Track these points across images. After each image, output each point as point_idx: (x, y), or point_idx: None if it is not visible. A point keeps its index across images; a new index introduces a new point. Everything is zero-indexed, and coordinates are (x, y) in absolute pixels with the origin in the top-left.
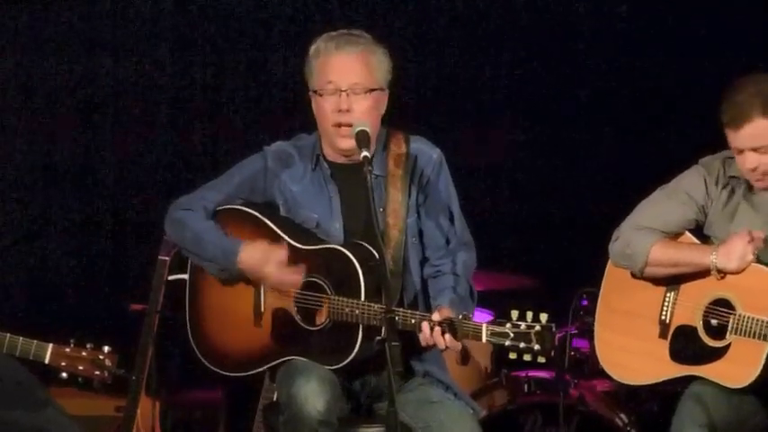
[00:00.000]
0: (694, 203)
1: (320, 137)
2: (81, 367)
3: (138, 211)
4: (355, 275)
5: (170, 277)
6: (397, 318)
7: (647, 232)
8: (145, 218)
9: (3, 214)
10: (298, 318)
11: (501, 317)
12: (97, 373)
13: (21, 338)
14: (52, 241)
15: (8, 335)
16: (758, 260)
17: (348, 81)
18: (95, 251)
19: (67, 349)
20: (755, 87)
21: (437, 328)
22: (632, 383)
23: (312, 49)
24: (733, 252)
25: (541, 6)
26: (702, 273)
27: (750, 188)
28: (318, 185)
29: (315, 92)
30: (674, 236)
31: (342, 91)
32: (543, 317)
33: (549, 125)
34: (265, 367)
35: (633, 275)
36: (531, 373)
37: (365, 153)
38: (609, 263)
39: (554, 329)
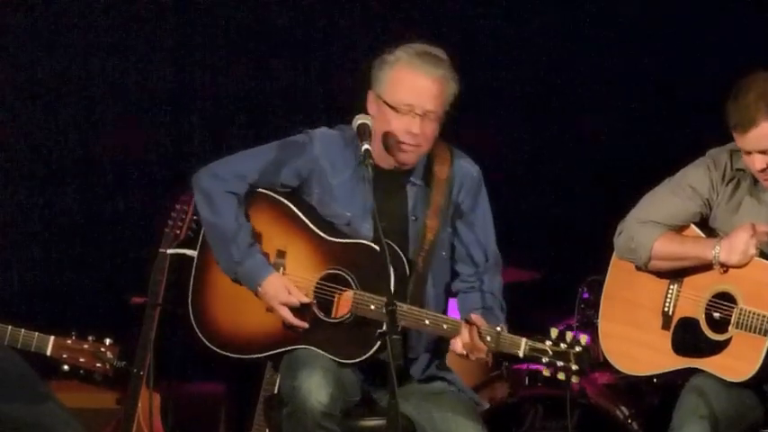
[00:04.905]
0: (699, 197)
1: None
2: (82, 359)
3: (138, 203)
4: (385, 274)
5: (169, 250)
6: (427, 321)
7: (652, 226)
8: (146, 211)
9: (4, 208)
10: (316, 308)
11: (538, 333)
12: (99, 365)
13: (22, 331)
14: (53, 234)
15: (10, 327)
16: (761, 254)
17: (424, 107)
18: (96, 243)
19: (69, 341)
20: (761, 88)
21: (476, 333)
22: (634, 374)
23: (392, 56)
24: (735, 246)
25: (544, 2)
26: (706, 266)
27: (756, 182)
28: (358, 183)
29: (388, 105)
30: (679, 229)
31: (417, 115)
32: (583, 338)
33: (550, 119)
34: (274, 352)
35: (637, 268)
36: (533, 367)
37: (366, 146)
38: (613, 255)
39: (591, 351)
